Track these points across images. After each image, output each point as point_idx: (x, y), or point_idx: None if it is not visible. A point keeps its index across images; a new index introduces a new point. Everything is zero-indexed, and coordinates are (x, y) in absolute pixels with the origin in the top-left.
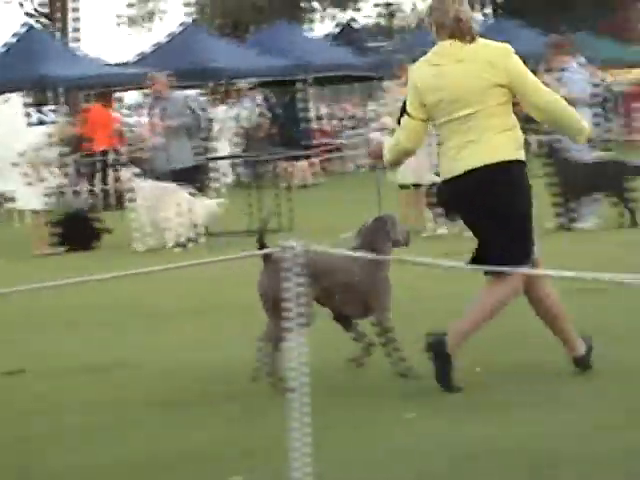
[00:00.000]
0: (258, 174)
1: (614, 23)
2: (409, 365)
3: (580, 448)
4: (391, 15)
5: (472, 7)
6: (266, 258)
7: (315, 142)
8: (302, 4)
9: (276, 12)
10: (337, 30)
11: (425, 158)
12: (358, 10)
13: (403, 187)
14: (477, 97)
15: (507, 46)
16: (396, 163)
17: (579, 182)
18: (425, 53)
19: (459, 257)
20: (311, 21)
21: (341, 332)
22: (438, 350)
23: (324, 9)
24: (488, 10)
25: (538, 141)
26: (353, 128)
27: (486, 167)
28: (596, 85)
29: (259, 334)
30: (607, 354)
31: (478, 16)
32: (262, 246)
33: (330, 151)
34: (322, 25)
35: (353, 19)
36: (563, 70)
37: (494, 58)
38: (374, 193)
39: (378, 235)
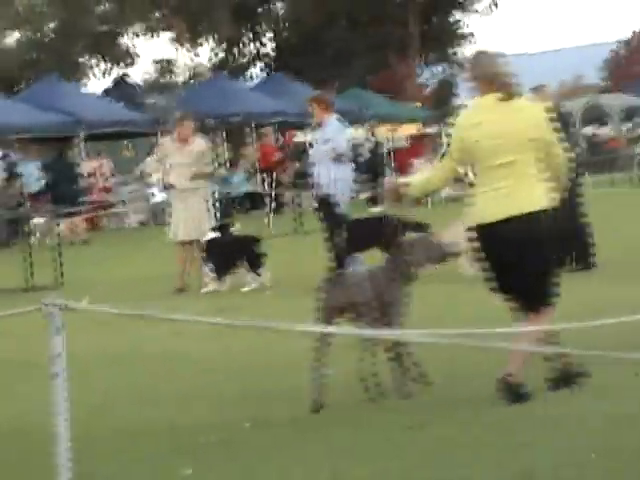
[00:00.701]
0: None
1: (386, 80)
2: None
3: None
4: (168, 71)
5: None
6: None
7: (93, 198)
8: (75, 59)
9: (46, 67)
10: (111, 85)
11: (201, 214)
12: (132, 65)
13: (179, 243)
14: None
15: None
16: (419, 197)
17: (356, 238)
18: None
19: (236, 311)
20: (84, 76)
21: None
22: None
23: (97, 64)
24: (261, 65)
25: None
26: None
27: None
28: (377, 141)
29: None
30: None
31: (254, 71)
32: None
33: (104, 207)
34: (97, 81)
35: (126, 74)
36: (321, 125)
37: (538, 114)
38: (150, 248)
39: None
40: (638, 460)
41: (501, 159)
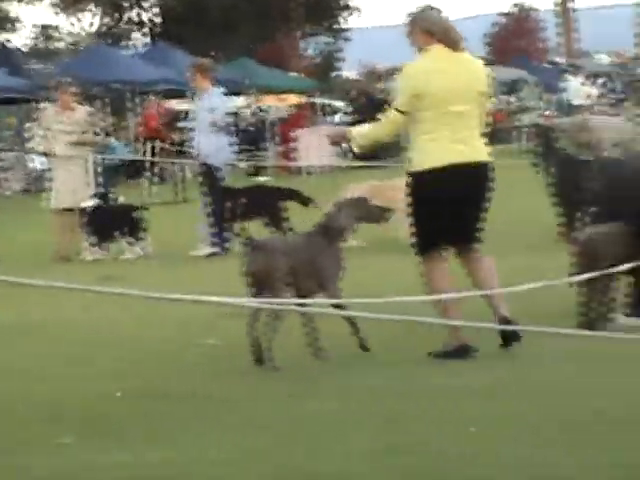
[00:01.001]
0: None
1: (272, 51)
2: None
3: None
4: (48, 37)
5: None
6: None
7: None
8: None
9: None
10: None
11: (82, 182)
12: (14, 31)
13: (59, 211)
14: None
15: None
16: (363, 149)
17: (236, 207)
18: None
19: (119, 280)
20: None
21: None
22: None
23: None
24: (144, 34)
25: None
26: (11, 150)
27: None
28: (262, 111)
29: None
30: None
31: (138, 38)
32: None
33: None
34: None
35: (8, 40)
36: (204, 94)
37: (483, 70)
38: (30, 216)
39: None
40: (509, 427)
41: (454, 107)
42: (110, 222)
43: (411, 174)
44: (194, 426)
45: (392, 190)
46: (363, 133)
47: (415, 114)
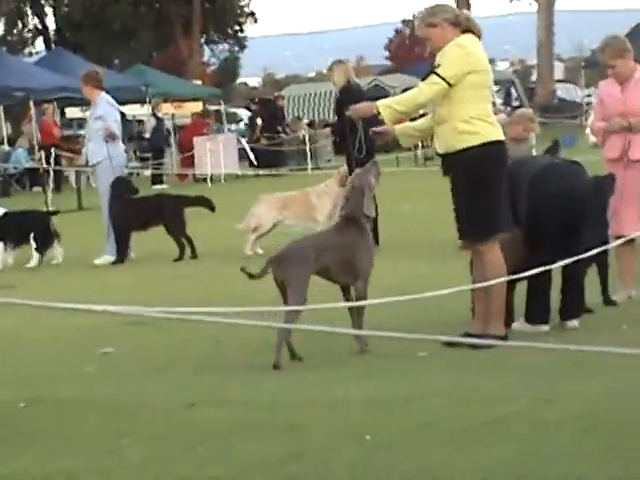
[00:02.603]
0: None
1: (171, 58)
2: None
3: None
4: None
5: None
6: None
7: None
8: None
9: None
10: None
11: None
12: None
13: None
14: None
15: None
16: (397, 120)
17: (137, 216)
18: None
19: (10, 289)
20: None
21: None
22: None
23: None
24: (42, 41)
25: None
26: None
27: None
28: (160, 119)
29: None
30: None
31: (37, 47)
32: None
33: None
34: None
35: None
36: (93, 103)
37: None
38: None
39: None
40: (406, 439)
41: (490, 90)
42: (20, 229)
43: (482, 145)
44: (81, 434)
45: (316, 198)
46: (403, 101)
47: (468, 90)
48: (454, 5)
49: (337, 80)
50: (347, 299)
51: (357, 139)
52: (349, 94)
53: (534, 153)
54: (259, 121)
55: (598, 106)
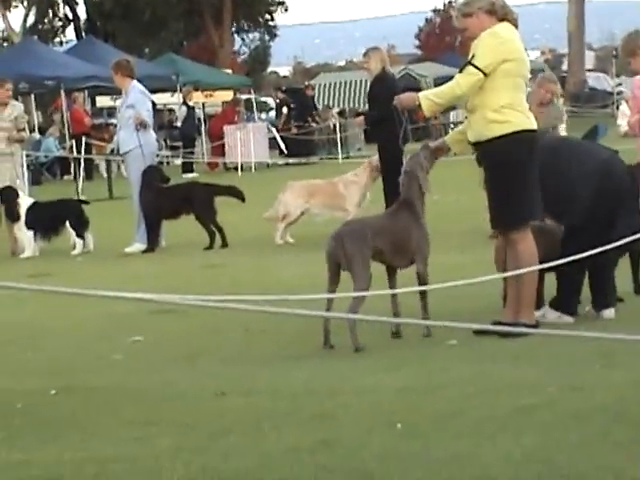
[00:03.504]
0: None
1: (202, 47)
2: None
3: None
4: None
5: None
6: None
7: None
8: None
9: None
10: None
11: (18, 179)
12: None
13: None
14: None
15: None
16: (436, 111)
17: (167, 205)
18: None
19: (45, 277)
20: None
21: None
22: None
23: None
24: (73, 30)
25: None
26: None
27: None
28: (191, 108)
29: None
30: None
31: (68, 36)
32: None
33: None
34: None
35: None
36: (124, 91)
37: None
38: None
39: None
40: (436, 424)
41: (525, 79)
42: (52, 218)
43: (512, 134)
44: (111, 422)
45: (344, 187)
46: (441, 93)
47: (500, 79)
48: None
49: (373, 67)
50: (392, 284)
51: (403, 129)
52: (383, 83)
53: (565, 118)
54: (285, 110)
55: (632, 100)
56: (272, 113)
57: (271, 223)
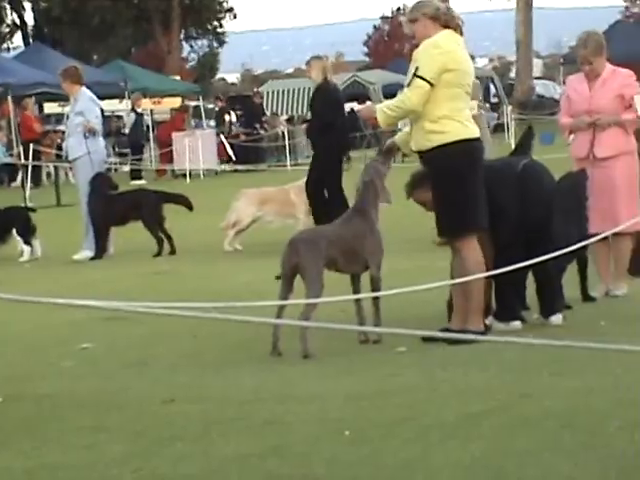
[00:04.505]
0: None
1: (150, 53)
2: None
3: None
4: None
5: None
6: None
7: None
8: None
9: None
10: None
11: None
12: None
13: None
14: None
15: None
16: (392, 124)
17: (115, 212)
18: None
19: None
20: None
21: None
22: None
23: None
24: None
25: None
26: None
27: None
28: (139, 115)
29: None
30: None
31: (15, 42)
32: None
33: None
34: None
35: None
36: (73, 98)
37: None
38: None
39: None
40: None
41: (468, 88)
42: (1, 224)
43: (451, 144)
44: (61, 429)
45: (295, 195)
46: (393, 107)
47: (440, 89)
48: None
49: (314, 76)
50: (356, 288)
51: (366, 139)
52: (324, 93)
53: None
54: (227, 117)
55: (565, 102)
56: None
57: (222, 231)
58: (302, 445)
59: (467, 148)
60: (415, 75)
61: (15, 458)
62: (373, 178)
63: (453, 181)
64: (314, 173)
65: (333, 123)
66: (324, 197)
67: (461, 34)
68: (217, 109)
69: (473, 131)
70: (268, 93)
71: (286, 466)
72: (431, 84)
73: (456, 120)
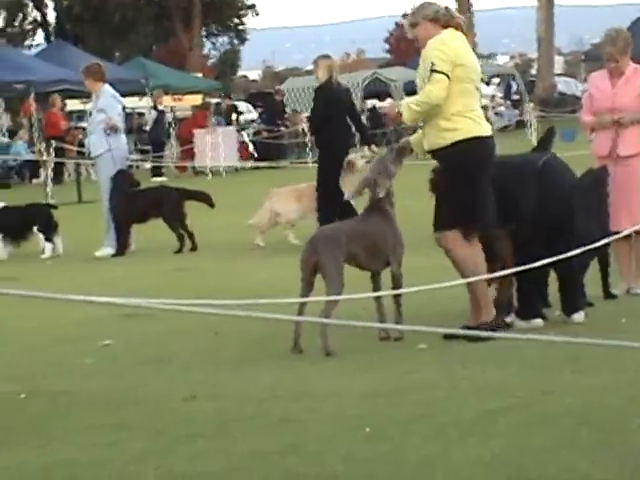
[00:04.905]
0: None
1: (171, 50)
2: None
3: None
4: None
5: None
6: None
7: None
8: None
9: None
10: None
11: None
12: None
13: None
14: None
15: None
16: (417, 120)
17: (137, 209)
18: None
19: (12, 281)
20: None
21: None
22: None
23: None
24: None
25: None
26: None
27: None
28: (161, 112)
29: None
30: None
31: (37, 39)
32: None
33: None
34: None
35: None
36: (95, 95)
37: None
38: None
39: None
40: (405, 432)
41: (474, 84)
42: (21, 222)
43: (463, 141)
44: (80, 426)
45: None
46: (419, 102)
47: (452, 85)
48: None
49: (320, 75)
50: (376, 286)
51: (386, 136)
52: (325, 92)
53: None
54: (234, 116)
55: (587, 99)
56: (241, 117)
57: (252, 229)
58: (319, 443)
59: (478, 146)
60: (432, 70)
61: (34, 454)
62: (378, 175)
63: (462, 178)
64: (318, 171)
65: (330, 121)
66: (328, 194)
67: (462, 32)
68: (225, 107)
69: (485, 129)
70: (289, 90)
71: (304, 463)
72: (448, 77)
73: (468, 117)
